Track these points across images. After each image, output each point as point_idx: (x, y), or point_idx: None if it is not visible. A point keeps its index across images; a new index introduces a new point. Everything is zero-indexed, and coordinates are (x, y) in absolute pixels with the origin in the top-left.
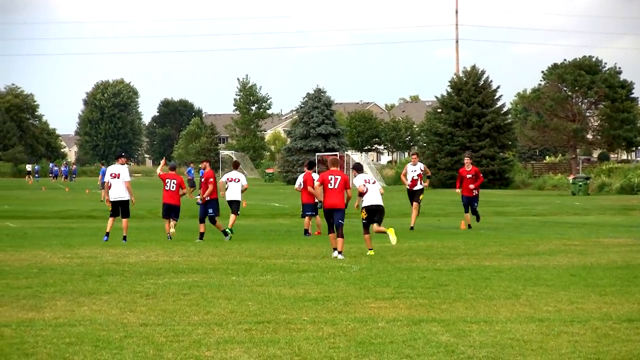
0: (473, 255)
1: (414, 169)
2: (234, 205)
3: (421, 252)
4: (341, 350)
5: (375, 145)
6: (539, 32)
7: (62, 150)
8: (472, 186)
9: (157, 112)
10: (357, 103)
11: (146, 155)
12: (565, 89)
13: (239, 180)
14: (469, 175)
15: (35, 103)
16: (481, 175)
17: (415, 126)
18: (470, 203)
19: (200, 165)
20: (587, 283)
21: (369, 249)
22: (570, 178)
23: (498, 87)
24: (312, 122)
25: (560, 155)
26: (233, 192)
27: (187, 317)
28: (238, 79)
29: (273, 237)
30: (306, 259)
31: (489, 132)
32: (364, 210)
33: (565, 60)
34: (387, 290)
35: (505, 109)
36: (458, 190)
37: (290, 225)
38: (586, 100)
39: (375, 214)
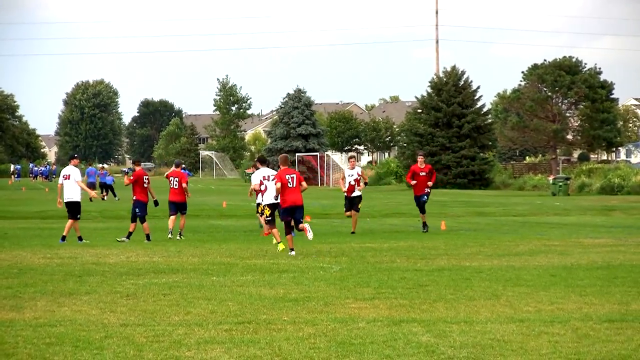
0: (453, 256)
1: (351, 174)
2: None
3: (401, 252)
4: (322, 350)
5: (356, 146)
6: (518, 32)
7: (42, 150)
8: (430, 183)
9: (137, 112)
10: (337, 103)
11: (126, 156)
12: (545, 89)
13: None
14: (422, 173)
15: (15, 103)
16: (435, 172)
17: (395, 126)
18: (421, 198)
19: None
20: (568, 283)
21: (278, 242)
22: (551, 178)
23: (478, 87)
24: (292, 123)
25: (540, 155)
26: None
27: (168, 317)
28: (218, 79)
29: (253, 238)
30: (286, 260)
31: (469, 133)
32: (267, 207)
33: (545, 60)
34: (367, 290)
35: (485, 110)
36: (413, 182)
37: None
38: (566, 101)
39: (275, 209)
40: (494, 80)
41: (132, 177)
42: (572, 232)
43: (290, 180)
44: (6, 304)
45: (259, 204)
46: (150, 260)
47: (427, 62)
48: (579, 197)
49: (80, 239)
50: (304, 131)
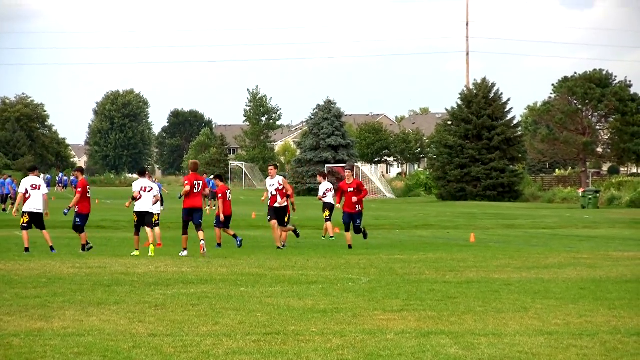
0: (482, 268)
1: (271, 183)
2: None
3: (430, 264)
4: None
5: (385, 157)
6: (549, 45)
7: (71, 160)
8: (354, 199)
9: (167, 122)
10: (367, 115)
11: (156, 166)
12: (576, 102)
13: (331, 190)
14: (350, 189)
15: (45, 113)
16: (364, 188)
17: (425, 138)
18: (352, 220)
19: (72, 174)
20: (596, 297)
21: (136, 249)
22: (580, 191)
23: (508, 99)
24: (322, 134)
25: (570, 168)
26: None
27: (196, 327)
28: (248, 90)
29: (282, 249)
30: (315, 271)
31: (499, 145)
32: (134, 214)
33: (575, 73)
34: (396, 302)
35: (515, 122)
36: (338, 206)
37: (301, 236)
38: (596, 114)
39: (144, 217)
40: (524, 92)
41: (80, 189)
42: (601, 245)
43: (197, 185)
44: (35, 313)
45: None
46: (179, 270)
47: (457, 74)
48: (609, 210)
49: (52, 248)
50: (334, 142)
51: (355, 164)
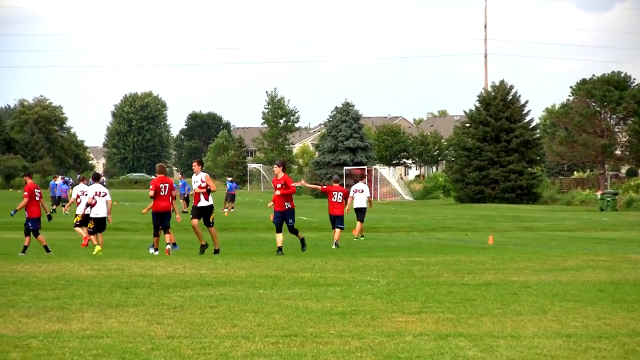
0: (500, 270)
1: (195, 180)
2: (360, 213)
3: (449, 266)
4: None
5: (403, 160)
6: (567, 47)
7: (90, 162)
8: (277, 192)
9: (185, 124)
10: (385, 117)
11: (174, 168)
12: (594, 104)
13: (363, 191)
14: (278, 185)
15: (63, 115)
16: (292, 185)
17: (443, 140)
18: (284, 219)
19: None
20: (615, 299)
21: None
22: (599, 194)
23: (526, 102)
24: (340, 136)
25: (588, 170)
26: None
27: (214, 330)
28: (266, 92)
29: (300, 251)
30: (333, 273)
31: (517, 147)
32: (91, 221)
33: (593, 75)
34: (414, 304)
35: (533, 124)
36: (270, 204)
37: (318, 239)
38: (615, 116)
39: (103, 224)
40: (542, 94)
41: (26, 192)
42: (619, 248)
43: (163, 188)
44: (53, 315)
45: (77, 215)
46: (198, 272)
47: (475, 77)
48: (627, 213)
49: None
50: (352, 145)
51: (374, 166)
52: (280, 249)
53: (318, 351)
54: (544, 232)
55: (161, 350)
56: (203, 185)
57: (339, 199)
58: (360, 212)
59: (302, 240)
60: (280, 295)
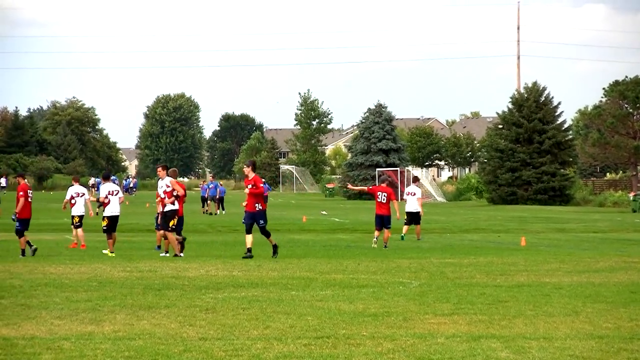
0: (533, 272)
1: (160, 185)
2: (413, 217)
3: (481, 268)
4: None
5: (436, 161)
6: (600, 48)
7: (122, 163)
8: (246, 190)
9: (218, 126)
10: (418, 119)
11: (207, 170)
12: (627, 106)
13: (414, 194)
14: (249, 185)
15: (96, 116)
16: (261, 185)
17: (476, 142)
18: (255, 220)
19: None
20: None
21: (111, 251)
22: (631, 195)
23: (559, 103)
24: (373, 137)
25: (621, 172)
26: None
27: (247, 331)
28: (299, 94)
29: (333, 252)
30: (366, 274)
31: (549, 149)
32: (105, 219)
33: (626, 77)
34: (446, 306)
35: (566, 126)
36: (244, 204)
37: (351, 240)
38: None
39: (116, 222)
40: (575, 96)
41: (21, 193)
42: None
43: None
44: (85, 316)
45: (74, 216)
46: (230, 274)
47: (508, 78)
48: None
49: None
50: (385, 146)
51: (406, 168)
52: (249, 250)
53: (350, 353)
54: (576, 234)
55: (193, 352)
56: (168, 190)
57: (383, 199)
58: (412, 217)
59: (275, 247)
60: (312, 296)
